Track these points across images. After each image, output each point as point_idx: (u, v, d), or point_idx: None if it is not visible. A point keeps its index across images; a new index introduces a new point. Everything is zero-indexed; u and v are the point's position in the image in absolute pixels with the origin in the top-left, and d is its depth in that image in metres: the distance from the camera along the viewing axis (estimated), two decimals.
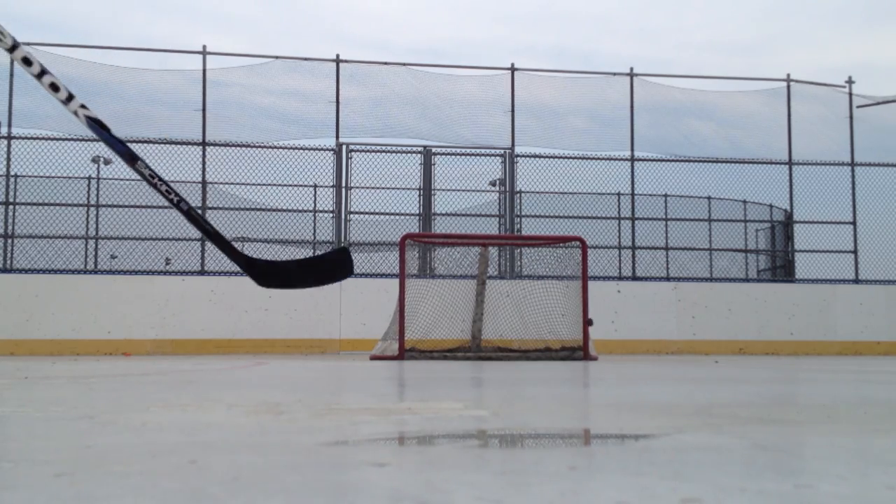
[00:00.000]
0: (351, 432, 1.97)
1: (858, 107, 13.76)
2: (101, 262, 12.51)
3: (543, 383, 4.52)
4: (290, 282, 4.37)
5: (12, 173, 12.00)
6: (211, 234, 3.67)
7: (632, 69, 13.43)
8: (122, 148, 3.40)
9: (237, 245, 14.04)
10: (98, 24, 78.02)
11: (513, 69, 13.19)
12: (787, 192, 13.53)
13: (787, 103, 13.68)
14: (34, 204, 12.06)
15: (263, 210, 12.60)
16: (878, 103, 13.81)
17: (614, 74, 13.50)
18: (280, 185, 12.59)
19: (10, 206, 11.99)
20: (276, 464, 1.47)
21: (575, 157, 13.24)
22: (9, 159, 11.90)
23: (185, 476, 1.37)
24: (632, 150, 13.29)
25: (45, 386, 4.15)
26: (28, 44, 12.14)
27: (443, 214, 12.91)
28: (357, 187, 12.65)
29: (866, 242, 13.41)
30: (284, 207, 12.59)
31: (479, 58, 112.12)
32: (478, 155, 13.20)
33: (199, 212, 3.86)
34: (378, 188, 12.82)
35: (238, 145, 12.53)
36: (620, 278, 12.89)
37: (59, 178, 12.12)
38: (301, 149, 12.64)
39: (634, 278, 12.96)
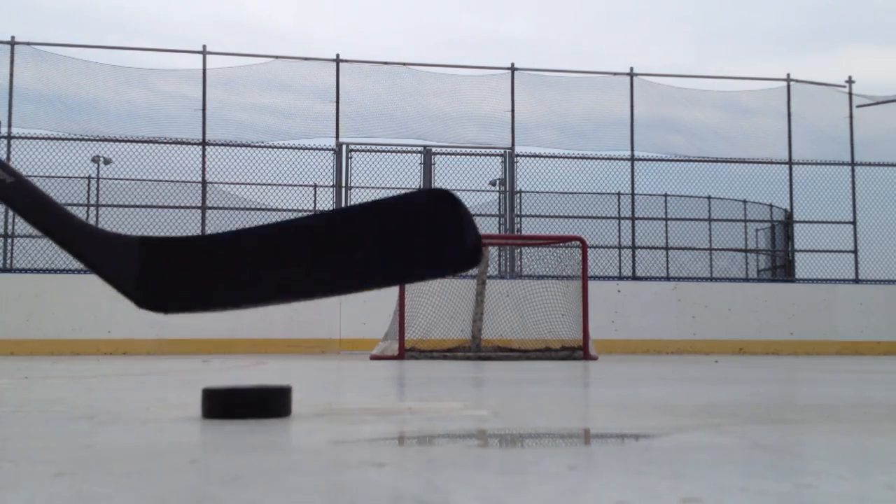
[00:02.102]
0: (351, 432, 1.97)
1: (858, 107, 13.77)
2: None
3: (543, 383, 4.52)
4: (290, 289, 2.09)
5: None
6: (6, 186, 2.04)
7: (632, 69, 13.43)
8: None
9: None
10: (98, 24, 77.97)
11: (513, 69, 13.20)
12: (787, 192, 13.54)
13: (787, 103, 13.68)
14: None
15: (263, 210, 12.60)
16: (878, 103, 13.81)
17: (614, 74, 13.50)
18: (280, 184, 12.60)
19: None
20: (276, 464, 1.47)
21: (575, 157, 13.25)
22: (9, 159, 11.91)
23: (185, 476, 1.36)
24: (632, 150, 13.29)
25: (45, 386, 4.15)
26: (29, 43, 12.15)
27: None
28: (357, 187, 12.66)
29: (866, 242, 13.43)
30: (284, 207, 12.60)
31: (479, 58, 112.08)
32: (478, 155, 13.20)
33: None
34: (378, 188, 12.82)
35: (238, 145, 12.54)
36: (620, 278, 12.89)
37: (59, 178, 12.12)
38: (301, 148, 12.65)
39: (634, 278, 12.96)
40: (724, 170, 13.64)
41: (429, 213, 1.99)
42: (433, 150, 12.89)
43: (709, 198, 14.03)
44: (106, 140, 12.27)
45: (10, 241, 11.90)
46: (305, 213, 12.63)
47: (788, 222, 13.69)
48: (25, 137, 11.99)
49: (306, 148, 12.68)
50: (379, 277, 2.03)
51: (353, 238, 2.01)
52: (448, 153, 13.04)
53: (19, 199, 2.02)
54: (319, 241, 2.03)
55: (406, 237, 1.99)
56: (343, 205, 12.47)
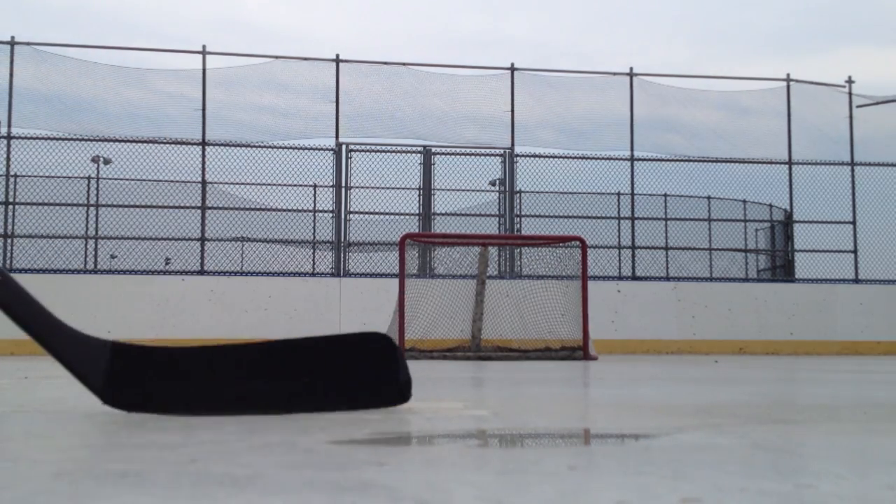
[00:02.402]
0: (351, 432, 1.97)
1: (858, 106, 13.77)
2: (101, 262, 12.51)
3: (543, 383, 4.52)
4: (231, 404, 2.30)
5: (12, 173, 12.00)
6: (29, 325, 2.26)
7: (632, 69, 13.43)
8: None
9: (237, 245, 13.84)
10: (98, 24, 78.03)
11: (513, 69, 13.19)
12: (787, 192, 13.53)
13: (787, 103, 13.68)
14: (34, 204, 12.05)
15: (263, 210, 12.60)
16: (878, 103, 13.81)
17: (614, 74, 13.50)
18: (280, 185, 12.60)
19: (10, 206, 11.99)
20: (276, 464, 1.47)
21: (575, 157, 13.25)
22: (9, 159, 11.91)
23: (185, 476, 1.37)
24: (632, 149, 13.29)
25: (45, 386, 4.15)
26: (29, 43, 12.14)
27: (443, 214, 12.92)
28: (357, 187, 12.66)
29: (866, 242, 13.43)
30: (284, 207, 12.60)
31: (479, 58, 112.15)
32: (478, 155, 13.20)
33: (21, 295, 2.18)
34: (378, 188, 12.82)
35: (238, 145, 12.54)
36: (620, 278, 12.89)
37: (59, 178, 12.12)
38: (301, 148, 12.65)
39: (634, 278, 12.96)
40: (724, 170, 13.64)
41: (370, 352, 2.33)
42: (433, 150, 12.89)
43: (709, 198, 14.03)
44: (106, 140, 12.27)
45: (9, 241, 11.89)
46: (305, 212, 12.65)
47: (788, 222, 13.68)
48: (25, 137, 11.99)
49: (306, 148, 12.68)
50: (322, 403, 2.32)
51: (304, 365, 2.34)
52: (448, 153, 13.04)
53: (5, 294, 2.22)
54: (274, 364, 2.34)
55: (349, 371, 2.33)
56: (343, 204, 12.47)
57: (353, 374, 2.34)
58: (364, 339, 2.35)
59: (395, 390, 2.31)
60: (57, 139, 12.07)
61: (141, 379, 2.34)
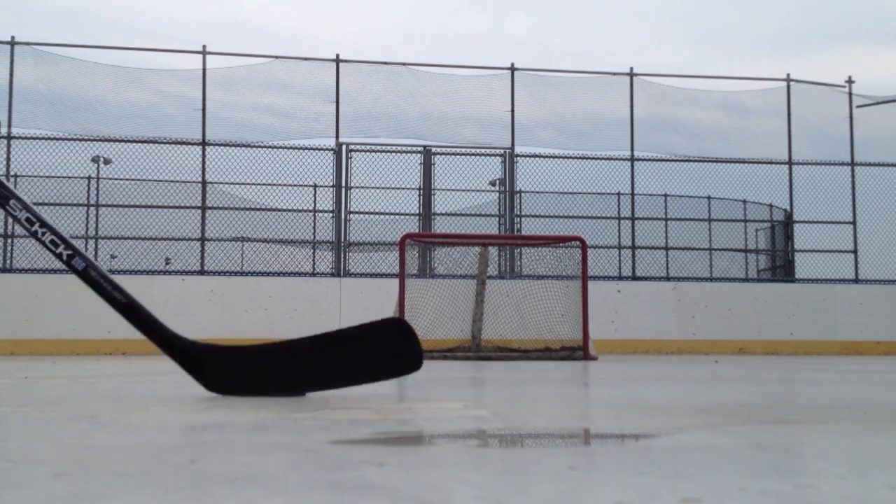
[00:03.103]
0: (351, 432, 1.97)
1: (858, 107, 13.76)
2: (101, 262, 12.48)
3: (543, 383, 4.52)
4: (278, 385, 3.09)
5: (12, 173, 12.00)
6: (121, 304, 3.28)
7: (632, 69, 13.43)
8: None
9: (237, 245, 13.78)
10: (98, 24, 78.02)
11: (513, 69, 13.19)
12: (787, 192, 13.53)
13: (787, 103, 13.68)
14: (34, 204, 12.03)
15: (263, 210, 12.60)
16: (878, 103, 13.81)
17: (614, 74, 13.50)
18: (280, 185, 12.59)
19: None
20: (276, 464, 1.47)
21: (575, 157, 13.24)
22: (9, 159, 11.90)
23: (185, 476, 1.37)
24: (632, 150, 13.28)
25: (45, 386, 4.15)
26: (29, 43, 12.15)
27: (443, 214, 12.91)
28: (357, 187, 12.66)
29: (866, 242, 13.42)
30: (284, 207, 12.60)
31: (479, 58, 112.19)
32: (478, 155, 13.20)
33: (99, 272, 3.28)
34: (378, 188, 12.81)
35: (238, 145, 12.53)
36: (620, 278, 12.88)
37: (59, 178, 12.12)
38: (301, 148, 12.64)
39: (634, 278, 12.95)
40: (724, 170, 13.63)
41: (390, 334, 3.05)
42: (433, 150, 12.89)
43: (709, 198, 14.03)
44: (106, 140, 12.26)
45: (9, 241, 11.89)
46: (306, 212, 12.64)
47: (788, 222, 13.68)
48: (25, 137, 11.98)
49: (306, 148, 12.67)
50: (362, 376, 3.13)
51: (346, 350, 3.09)
52: (448, 153, 13.03)
53: (130, 314, 3.27)
54: (323, 351, 3.09)
55: (378, 349, 3.06)
56: (343, 204, 12.47)
57: (381, 351, 3.04)
58: (387, 323, 3.06)
59: (411, 360, 2.99)
60: (57, 139, 12.07)
61: (226, 369, 3.16)
